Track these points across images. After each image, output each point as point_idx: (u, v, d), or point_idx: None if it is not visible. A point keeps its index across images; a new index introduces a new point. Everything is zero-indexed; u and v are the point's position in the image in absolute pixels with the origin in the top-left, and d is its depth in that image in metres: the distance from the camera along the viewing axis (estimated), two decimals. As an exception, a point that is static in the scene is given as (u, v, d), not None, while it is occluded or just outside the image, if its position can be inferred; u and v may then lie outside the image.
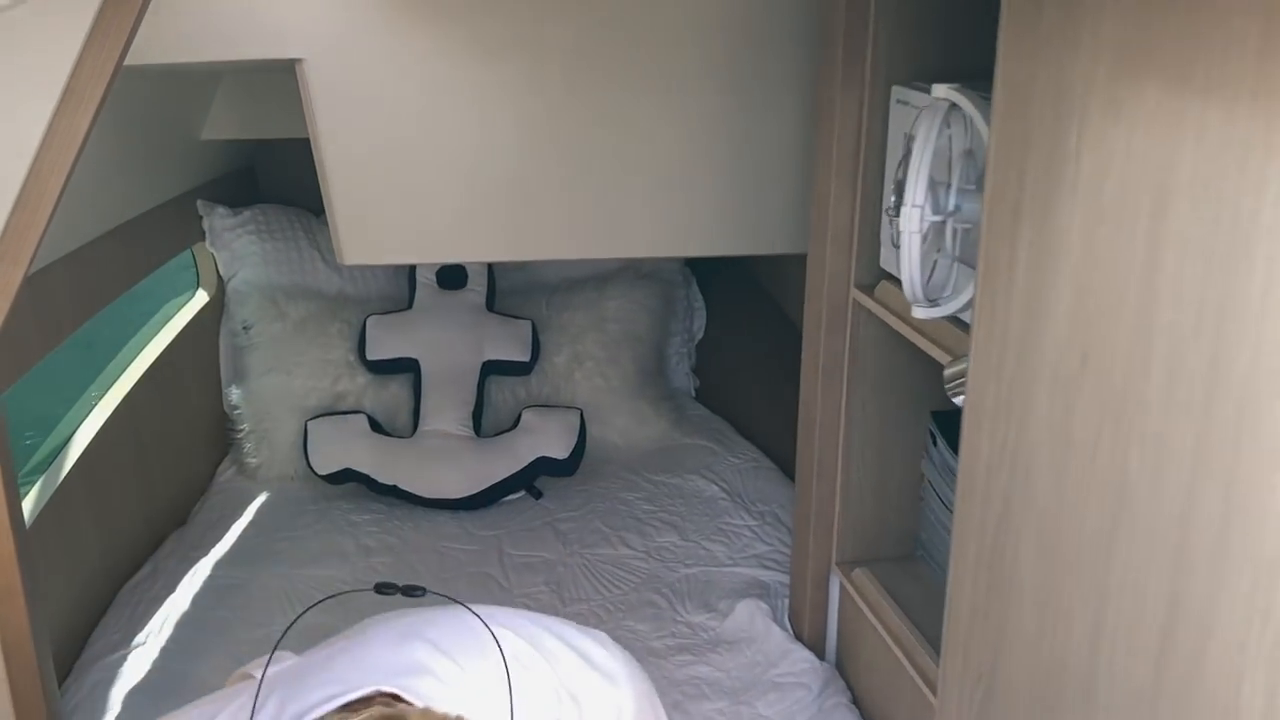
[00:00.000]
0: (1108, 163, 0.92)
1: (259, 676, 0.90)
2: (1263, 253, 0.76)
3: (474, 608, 0.96)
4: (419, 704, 0.81)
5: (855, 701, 1.97)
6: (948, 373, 1.39)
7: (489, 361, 2.83)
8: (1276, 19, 0.72)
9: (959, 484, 1.24)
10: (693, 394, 3.20)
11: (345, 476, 2.67)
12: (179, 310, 2.82)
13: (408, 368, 2.80)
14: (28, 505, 1.95)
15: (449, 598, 0.89)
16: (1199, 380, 0.83)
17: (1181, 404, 0.85)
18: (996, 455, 1.14)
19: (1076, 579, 1.00)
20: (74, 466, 2.16)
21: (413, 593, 0.90)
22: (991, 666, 1.18)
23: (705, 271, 3.23)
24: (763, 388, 2.91)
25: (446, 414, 2.75)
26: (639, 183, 2.09)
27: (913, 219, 1.31)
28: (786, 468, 2.59)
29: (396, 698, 0.82)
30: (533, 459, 2.71)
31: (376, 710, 0.76)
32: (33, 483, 2.08)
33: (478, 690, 0.86)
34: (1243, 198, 0.77)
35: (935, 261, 1.48)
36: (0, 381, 1.53)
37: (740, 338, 3.14)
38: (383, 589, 0.90)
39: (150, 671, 2.06)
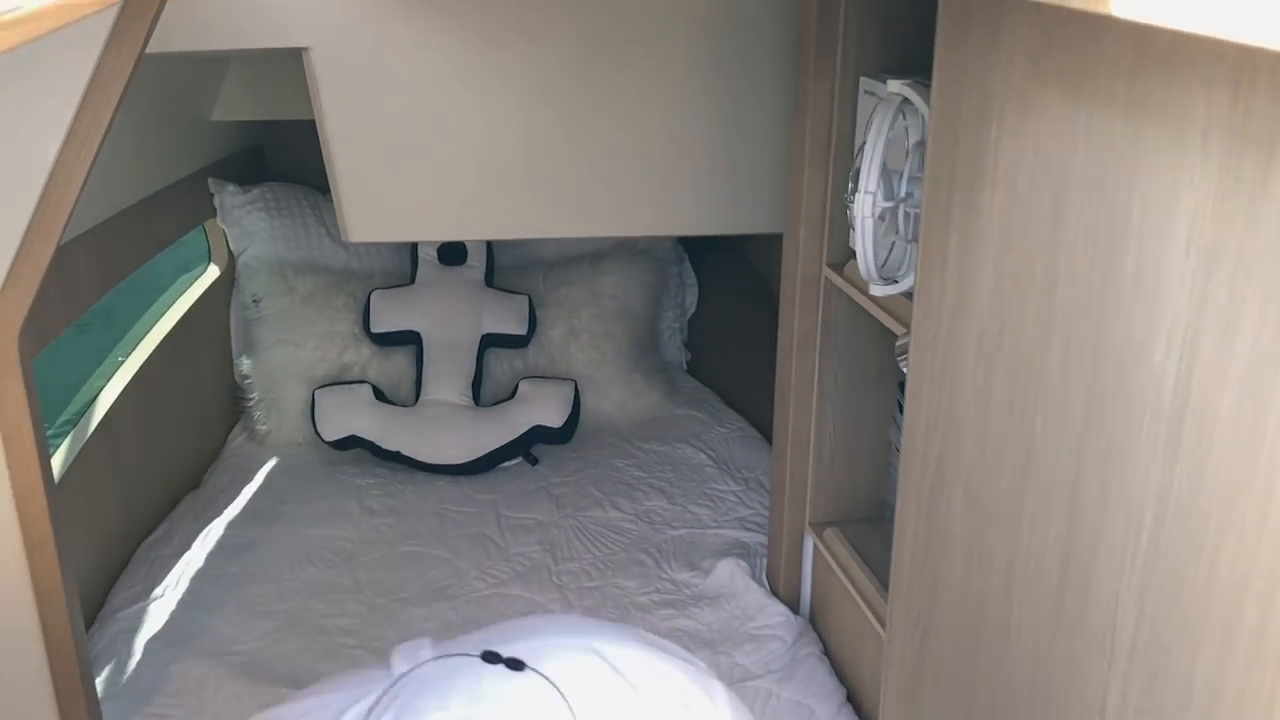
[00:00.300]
0: (1019, 159, 1.04)
1: (397, 673, 0.96)
2: (1133, 241, 0.88)
3: (596, 634, 0.98)
4: None
5: (826, 652, 2.10)
6: (898, 344, 1.52)
7: (488, 335, 2.96)
8: (1144, 45, 0.84)
9: (903, 444, 1.37)
10: (684, 367, 3.33)
11: (351, 443, 2.80)
12: (192, 284, 2.95)
13: (410, 340, 2.93)
14: (55, 463, 2.09)
15: (549, 680, 0.90)
16: (1088, 349, 0.96)
17: (1075, 371, 0.98)
18: (932, 418, 1.27)
19: (995, 527, 1.13)
20: (95, 431, 2.30)
21: (516, 667, 0.90)
22: (929, 609, 1.31)
23: (697, 250, 3.35)
24: (751, 361, 3.03)
25: (447, 384, 2.88)
26: (631, 166, 2.21)
27: (865, 204, 1.44)
28: (771, 437, 2.72)
29: None
30: (529, 427, 2.84)
31: None
32: (64, 435, 2.22)
33: None
34: (1118, 194, 0.89)
35: (893, 243, 1.60)
36: (29, 349, 1.65)
37: (730, 314, 3.26)
38: (489, 658, 0.92)
39: (168, 622, 2.20)
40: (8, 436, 1.64)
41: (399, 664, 0.95)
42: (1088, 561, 0.97)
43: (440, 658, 0.93)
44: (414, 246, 3.03)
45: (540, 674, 0.89)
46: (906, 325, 1.64)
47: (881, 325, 1.82)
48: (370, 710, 0.89)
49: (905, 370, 1.44)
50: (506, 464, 2.84)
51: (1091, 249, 0.94)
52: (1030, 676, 1.06)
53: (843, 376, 2.05)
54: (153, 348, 2.62)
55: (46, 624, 1.75)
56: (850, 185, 1.52)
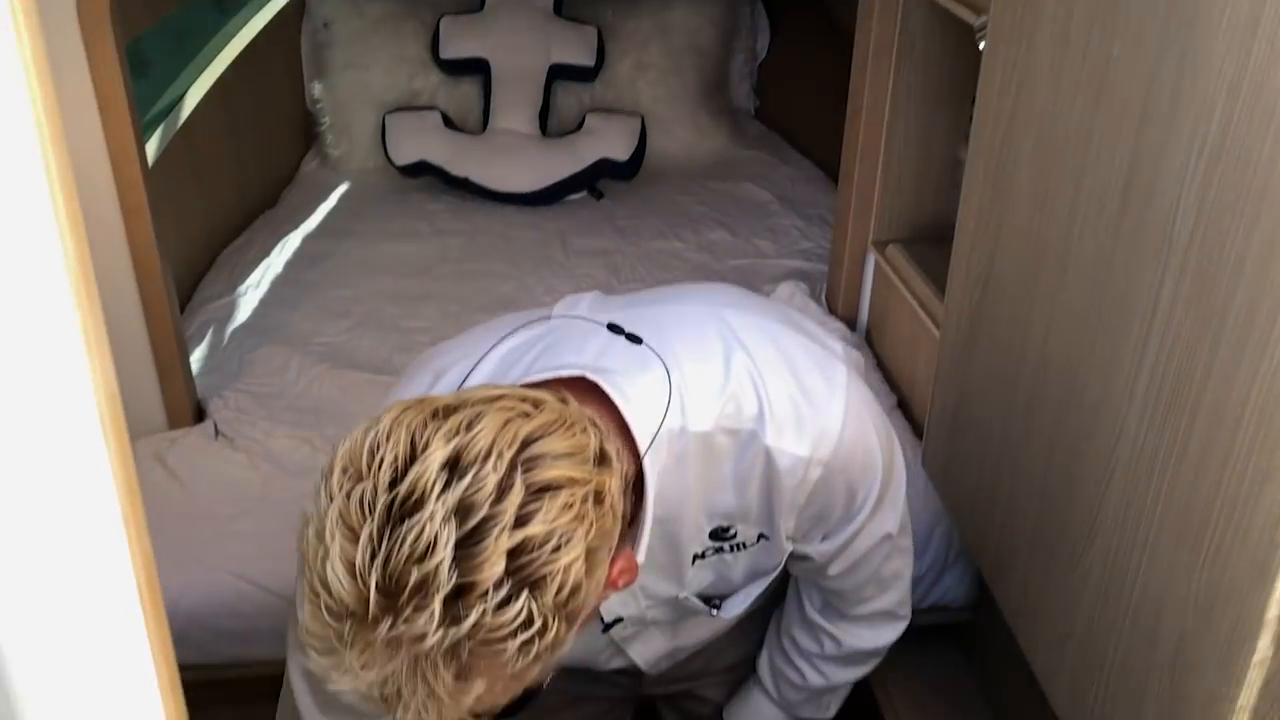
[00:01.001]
0: None
1: (562, 314, 1.04)
2: None
3: (736, 306, 1.04)
4: (614, 393, 0.90)
5: (880, 366, 2.17)
6: (977, 23, 1.51)
7: (556, 65, 2.94)
8: None
9: (978, 108, 1.38)
10: (752, 112, 3.31)
11: (420, 169, 2.85)
12: (263, 7, 2.95)
13: (478, 68, 2.93)
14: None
15: (657, 354, 0.96)
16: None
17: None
18: (1008, 75, 1.27)
19: (1061, 165, 1.16)
20: (177, 134, 2.36)
21: (635, 340, 0.98)
22: (988, 265, 1.35)
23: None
24: (820, 108, 2.99)
25: (514, 113, 2.90)
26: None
27: None
28: (837, 178, 2.71)
29: (595, 386, 0.91)
30: (595, 160, 2.86)
31: (527, 394, 0.82)
32: (149, 132, 2.28)
33: (658, 390, 0.94)
34: None
35: (979, -77, 1.57)
36: (119, 24, 1.69)
37: (802, 60, 3.20)
38: (613, 329, 1.00)
39: (251, 316, 2.32)
40: (103, 100, 1.70)
41: (559, 308, 1.05)
42: (1154, 166, 0.99)
43: (582, 318, 1.04)
44: (483, -28, 2.99)
45: (652, 349, 0.98)
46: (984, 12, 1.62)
47: (959, 35, 1.79)
48: (526, 351, 1.00)
49: (983, 48, 1.44)
50: (572, 197, 2.88)
51: None
52: (1085, 297, 1.10)
53: (917, 91, 2.02)
54: (228, 63, 2.65)
55: (143, 287, 1.86)
56: None
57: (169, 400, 1.93)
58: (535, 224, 2.78)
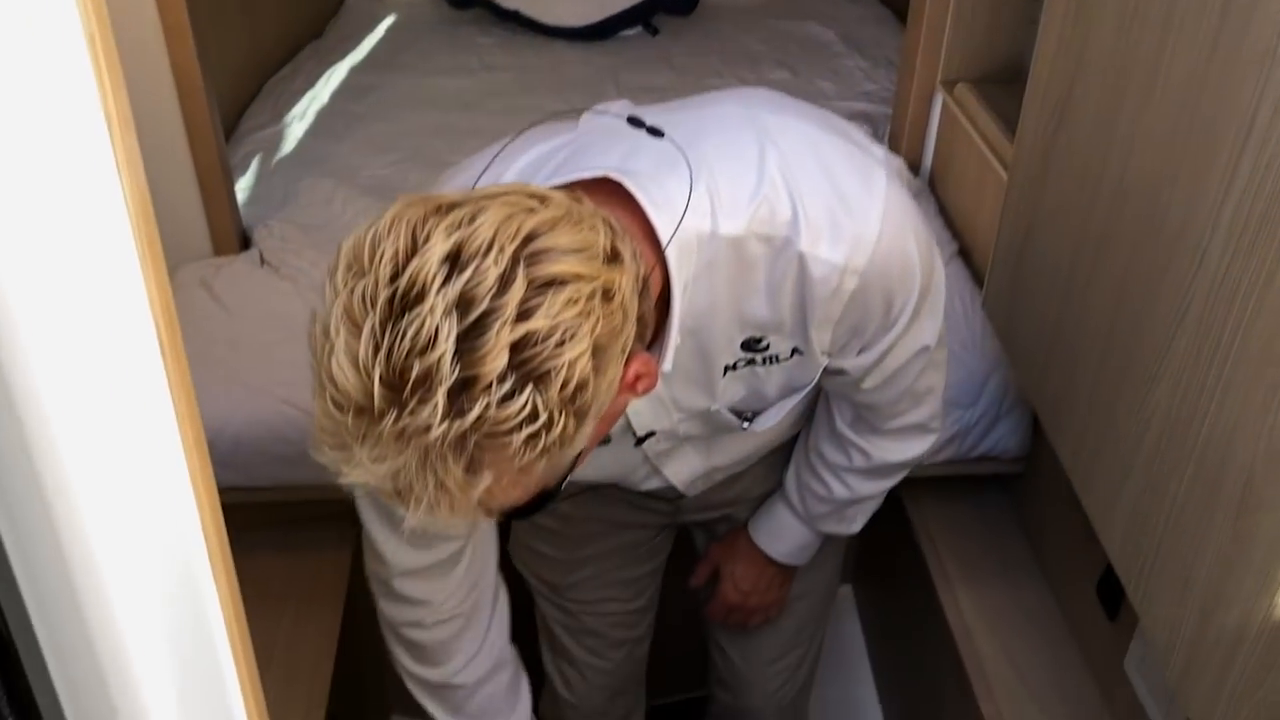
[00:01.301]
0: None
1: (592, 117, 1.00)
2: None
3: (777, 109, 0.99)
4: (638, 193, 0.88)
5: (941, 211, 2.09)
6: None
7: (613, -109, 2.80)
8: None
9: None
10: (817, -53, 3.14)
11: (469, 1, 2.75)
12: None
13: (530, -108, 2.80)
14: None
15: (676, 145, 0.92)
16: None
17: None
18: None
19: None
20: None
21: (656, 133, 0.94)
22: (1066, 93, 1.26)
23: None
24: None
25: (568, -58, 2.78)
26: None
27: None
28: (906, 19, 2.58)
29: (620, 186, 0.88)
30: (652, -8, 2.75)
31: (535, 190, 0.78)
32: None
33: (683, 191, 0.90)
34: None
35: None
36: None
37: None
38: (633, 122, 0.96)
39: (297, 147, 2.28)
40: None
41: (588, 113, 1.00)
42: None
43: (607, 114, 0.99)
44: None
45: (678, 147, 0.93)
46: None
47: None
48: (551, 157, 0.95)
49: None
50: (626, 32, 2.77)
51: None
52: (1173, 120, 1.02)
53: (997, -83, 1.90)
54: None
55: (188, 116, 1.82)
56: None
57: (214, 226, 1.91)
58: (587, 60, 2.68)
